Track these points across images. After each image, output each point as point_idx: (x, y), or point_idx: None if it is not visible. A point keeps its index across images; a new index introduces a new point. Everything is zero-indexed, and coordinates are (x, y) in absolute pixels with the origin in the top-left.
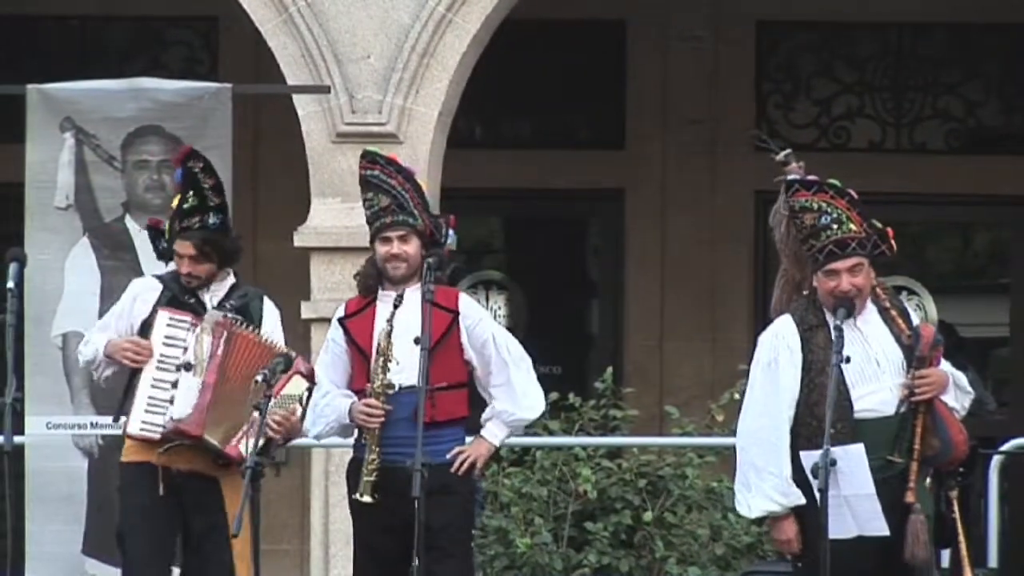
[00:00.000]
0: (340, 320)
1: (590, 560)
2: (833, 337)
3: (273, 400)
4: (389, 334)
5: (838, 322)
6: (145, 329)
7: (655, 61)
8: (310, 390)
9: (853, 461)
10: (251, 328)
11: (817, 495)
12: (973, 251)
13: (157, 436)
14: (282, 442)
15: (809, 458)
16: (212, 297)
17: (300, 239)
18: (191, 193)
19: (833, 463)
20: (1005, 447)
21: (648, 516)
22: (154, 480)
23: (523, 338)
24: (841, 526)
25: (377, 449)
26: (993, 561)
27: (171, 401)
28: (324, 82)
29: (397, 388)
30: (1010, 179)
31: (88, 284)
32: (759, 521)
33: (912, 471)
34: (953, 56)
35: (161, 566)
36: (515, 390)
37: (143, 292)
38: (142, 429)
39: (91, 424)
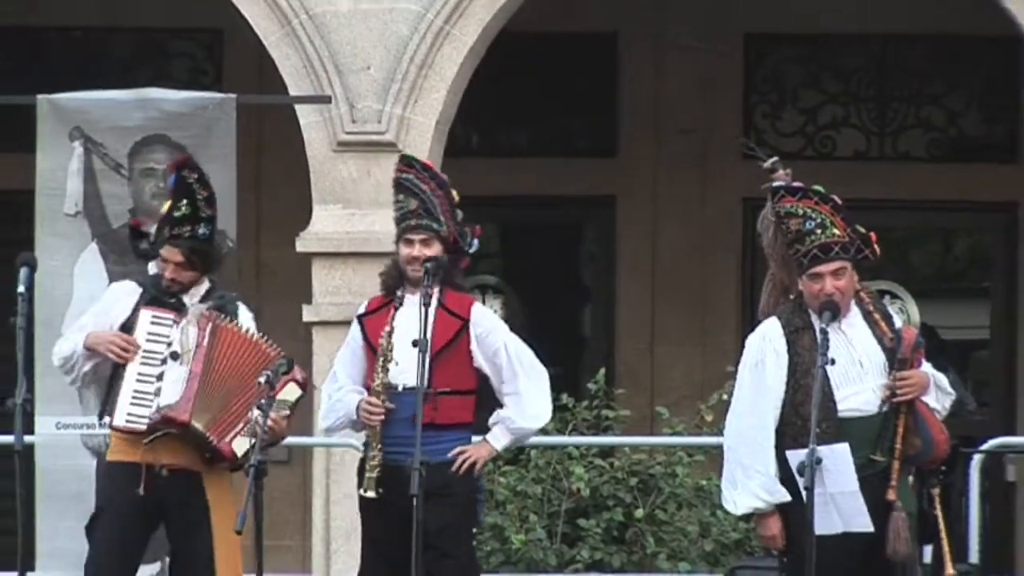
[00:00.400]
0: (359, 317)
1: (583, 556)
2: (819, 339)
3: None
4: (390, 335)
5: (823, 325)
6: (126, 330)
7: (647, 72)
8: (301, 398)
9: (839, 460)
10: (234, 322)
11: (803, 492)
12: (954, 256)
13: (143, 427)
14: (266, 445)
15: (795, 456)
16: (191, 299)
17: (302, 245)
18: (184, 202)
19: (819, 461)
20: (985, 446)
21: (639, 513)
22: (135, 481)
23: None
24: (827, 522)
25: (379, 447)
26: (974, 556)
27: (157, 393)
28: (325, 92)
29: (400, 388)
30: (990, 186)
31: (96, 289)
32: (746, 518)
33: (894, 470)
34: (936, 68)
35: (124, 567)
36: (522, 399)
37: (123, 295)
38: (128, 421)
39: (99, 424)
